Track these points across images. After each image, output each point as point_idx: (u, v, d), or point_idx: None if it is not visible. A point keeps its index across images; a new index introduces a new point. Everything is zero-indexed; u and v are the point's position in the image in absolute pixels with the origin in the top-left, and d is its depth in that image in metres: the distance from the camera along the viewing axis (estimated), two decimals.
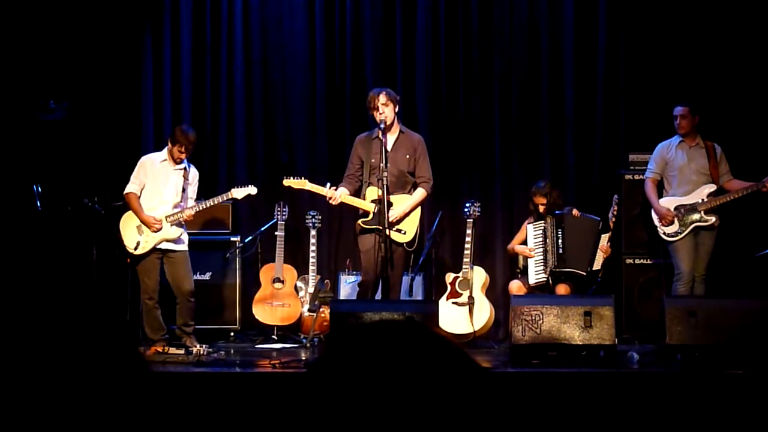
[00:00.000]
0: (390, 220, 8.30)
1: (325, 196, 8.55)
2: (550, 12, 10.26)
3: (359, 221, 8.51)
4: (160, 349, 8.20)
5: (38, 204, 9.13)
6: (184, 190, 8.64)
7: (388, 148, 8.41)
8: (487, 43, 10.29)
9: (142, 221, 8.54)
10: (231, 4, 10.39)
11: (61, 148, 9.65)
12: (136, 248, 8.59)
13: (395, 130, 8.57)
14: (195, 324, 8.74)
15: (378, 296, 8.55)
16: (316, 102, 10.34)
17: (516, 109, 10.25)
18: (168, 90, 10.31)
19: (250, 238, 9.79)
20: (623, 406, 6.58)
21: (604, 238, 8.95)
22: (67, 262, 9.32)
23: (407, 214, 8.47)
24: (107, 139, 9.97)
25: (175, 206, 8.59)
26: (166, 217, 8.54)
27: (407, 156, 8.53)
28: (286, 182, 8.71)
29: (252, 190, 8.78)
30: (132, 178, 8.67)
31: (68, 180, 9.58)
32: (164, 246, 8.59)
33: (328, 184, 8.55)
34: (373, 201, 8.45)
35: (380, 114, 8.38)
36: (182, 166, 8.64)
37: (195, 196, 8.78)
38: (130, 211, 8.65)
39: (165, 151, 8.68)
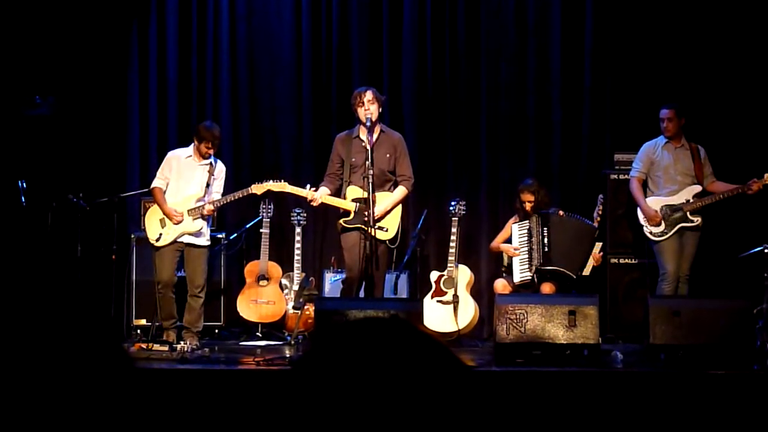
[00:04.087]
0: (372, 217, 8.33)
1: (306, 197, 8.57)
2: (538, 11, 10.28)
3: (340, 220, 8.51)
4: (144, 346, 8.20)
5: (23, 199, 9.11)
6: (208, 185, 8.66)
7: (369, 148, 8.39)
8: (474, 42, 10.30)
9: (164, 213, 8.64)
10: (217, 3, 10.36)
11: (47, 143, 9.63)
12: (158, 240, 8.68)
13: (376, 129, 8.54)
14: (202, 326, 8.81)
15: (362, 294, 8.58)
16: (303, 101, 10.34)
17: (502, 109, 10.26)
18: (154, 86, 10.30)
19: (235, 235, 9.79)
20: (607, 405, 6.60)
21: (597, 246, 8.97)
22: (51, 258, 9.29)
23: (389, 212, 8.48)
24: (93, 135, 9.95)
25: (199, 200, 8.63)
26: (188, 210, 8.60)
27: (387, 155, 8.54)
28: (266, 185, 8.72)
29: (272, 185, 8.70)
30: (158, 173, 8.83)
31: (53, 176, 9.56)
32: (185, 239, 8.67)
33: (308, 186, 8.55)
34: (354, 200, 8.47)
35: (366, 111, 8.37)
36: (208, 161, 8.68)
37: (222, 191, 8.80)
38: (155, 205, 8.77)
39: (191, 147, 8.73)
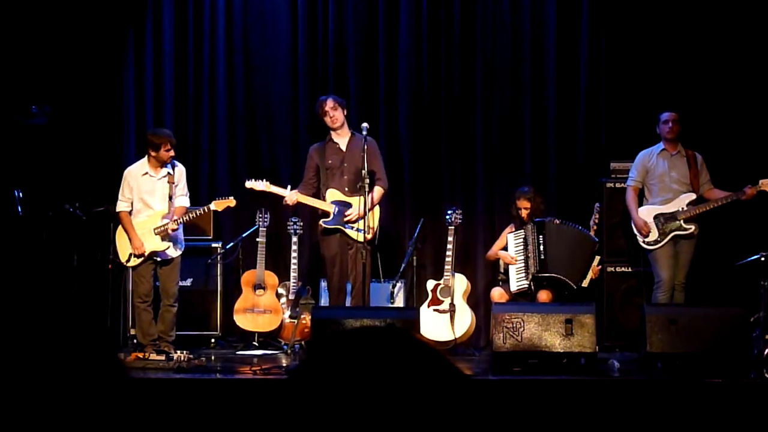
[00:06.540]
0: (351, 219, 8.71)
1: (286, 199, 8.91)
2: (533, 21, 10.28)
3: (321, 222, 8.77)
4: (140, 355, 8.18)
5: (19, 209, 9.09)
6: (170, 197, 8.61)
7: (344, 149, 8.92)
8: (470, 51, 10.30)
9: (131, 241, 8.56)
10: (213, 10, 10.37)
11: (43, 153, 9.61)
12: (128, 261, 8.66)
13: (346, 133, 8.97)
14: (175, 334, 8.77)
15: (348, 298, 8.81)
16: (299, 107, 10.34)
17: (498, 117, 10.26)
18: (150, 95, 10.29)
19: (231, 244, 9.77)
20: (604, 414, 6.60)
21: (596, 260, 8.96)
22: (47, 268, 9.27)
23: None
24: (89, 145, 9.93)
25: (164, 217, 8.56)
26: (154, 229, 8.54)
27: (362, 155, 8.68)
28: (248, 184, 9.01)
29: (231, 202, 8.77)
30: (120, 195, 8.69)
31: (49, 185, 9.54)
32: (158, 257, 8.65)
33: (289, 187, 8.91)
34: (333, 202, 8.77)
35: (330, 118, 8.87)
36: (164, 172, 8.62)
37: (186, 191, 8.79)
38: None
39: (143, 162, 8.67)
